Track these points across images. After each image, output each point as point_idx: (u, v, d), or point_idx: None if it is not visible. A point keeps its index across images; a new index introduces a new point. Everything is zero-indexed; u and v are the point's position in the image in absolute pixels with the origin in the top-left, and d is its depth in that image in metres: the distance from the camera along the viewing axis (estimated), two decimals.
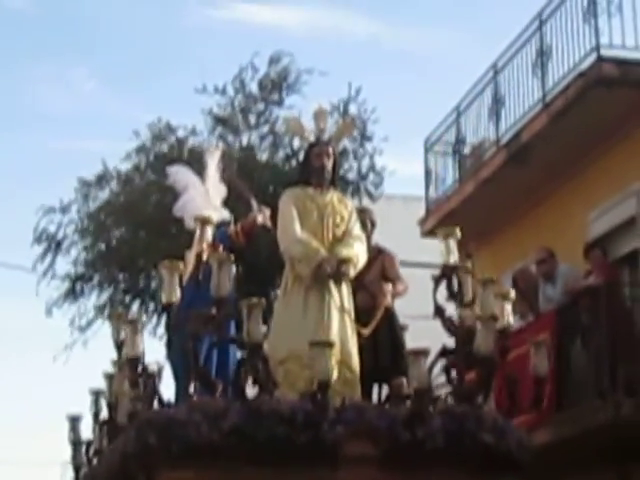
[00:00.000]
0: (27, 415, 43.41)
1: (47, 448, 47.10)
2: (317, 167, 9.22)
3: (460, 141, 14.57)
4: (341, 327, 8.73)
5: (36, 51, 38.48)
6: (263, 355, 7.70)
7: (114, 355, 9.34)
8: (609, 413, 10.84)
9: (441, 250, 8.86)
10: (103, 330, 15.99)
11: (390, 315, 9.82)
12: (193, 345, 7.74)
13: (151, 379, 8.18)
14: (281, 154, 15.81)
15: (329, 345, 7.80)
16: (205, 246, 8.48)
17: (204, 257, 8.40)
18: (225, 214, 10.04)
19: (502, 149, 12.73)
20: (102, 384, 9.78)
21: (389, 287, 9.86)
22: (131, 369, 8.22)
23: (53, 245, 16.03)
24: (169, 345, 8.32)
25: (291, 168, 15.21)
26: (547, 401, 10.02)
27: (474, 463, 7.89)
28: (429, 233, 14.76)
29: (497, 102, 13.03)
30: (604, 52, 11.04)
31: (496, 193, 12.87)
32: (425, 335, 10.21)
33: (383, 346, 9.54)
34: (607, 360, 10.97)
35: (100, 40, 35.23)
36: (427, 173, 15.34)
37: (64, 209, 16.07)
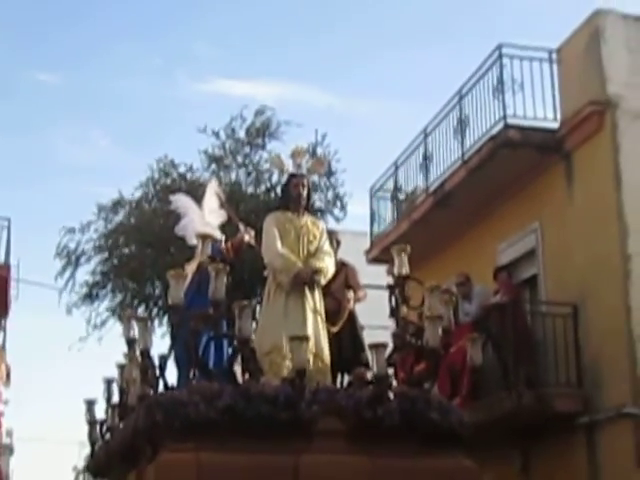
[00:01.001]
0: (49, 401, 43.27)
1: (66, 429, 46.94)
2: (295, 195, 9.25)
3: (397, 189, 14.92)
4: (315, 326, 8.75)
5: (61, 115, 39.92)
6: (251, 348, 7.66)
7: (124, 349, 9.30)
8: (513, 402, 11.05)
9: (395, 263, 8.90)
10: (114, 330, 15.97)
11: (352, 317, 9.83)
12: (193, 339, 7.69)
13: (158, 368, 8.08)
14: (263, 188, 15.88)
15: (306, 339, 7.80)
16: (205, 258, 8.45)
17: (204, 266, 8.37)
18: (218, 234, 10.05)
19: (430, 196, 13.07)
20: (113, 374, 9.79)
21: (351, 294, 9.88)
22: (142, 359, 8.13)
23: (73, 259, 15.92)
24: (173, 339, 8.26)
25: (270, 199, 15.27)
26: (465, 391, 10.14)
27: (424, 437, 7.89)
28: (373, 261, 15.24)
29: (426, 159, 13.39)
30: (510, 121, 11.39)
31: (425, 230, 13.15)
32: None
33: (346, 342, 9.53)
34: (511, 361, 11.19)
35: (112, 107, 37.14)
36: (372, 214, 15.75)
37: (83, 229, 16.01)
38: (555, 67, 11.68)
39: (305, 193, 9.31)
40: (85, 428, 10.39)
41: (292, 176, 9.33)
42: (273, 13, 36.24)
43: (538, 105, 11.54)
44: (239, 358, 7.79)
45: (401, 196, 14.91)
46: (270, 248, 8.96)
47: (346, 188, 16.18)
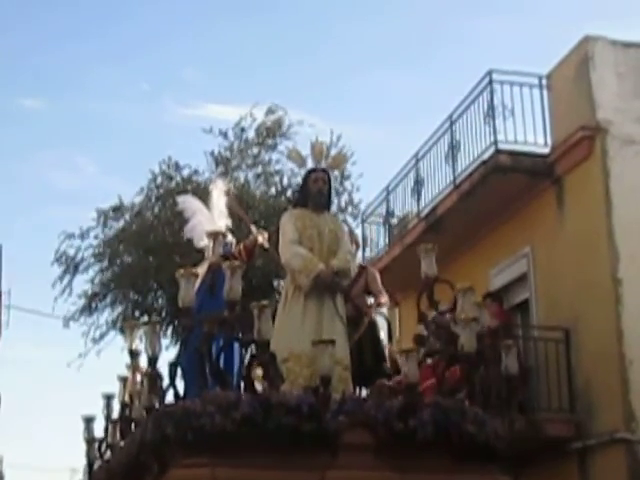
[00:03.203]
0: (40, 427, 42.93)
1: (57, 456, 46.45)
2: (314, 191, 8.75)
3: (389, 214, 15.06)
4: (336, 331, 8.17)
5: (47, 141, 40.25)
6: (272, 352, 7.10)
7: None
8: (506, 427, 10.80)
9: (422, 264, 8.41)
10: (113, 344, 15.40)
11: (372, 325, 9.33)
12: (207, 344, 7.12)
13: (168, 376, 7.52)
14: (273, 191, 15.29)
15: (331, 343, 7.23)
16: (217, 257, 7.89)
17: (216, 266, 7.83)
18: (229, 237, 9.53)
19: (422, 220, 13.22)
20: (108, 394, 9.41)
21: (372, 300, 9.37)
22: (150, 366, 7.57)
23: (72, 266, 15.35)
24: (184, 345, 7.63)
25: (281, 203, 14.73)
26: None
27: (458, 451, 7.35)
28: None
29: (418, 183, 13.56)
30: (501, 146, 11.57)
31: (417, 255, 13.00)
32: None
33: (366, 351, 9.01)
34: (504, 386, 10.98)
35: (98, 133, 37.37)
36: (364, 238, 15.75)
37: (83, 235, 15.41)
38: (545, 92, 11.87)
39: (326, 189, 8.79)
40: (76, 454, 9.93)
41: (311, 171, 8.83)
42: (260, 39, 36.53)
43: (529, 130, 11.78)
44: (259, 363, 7.17)
45: (393, 221, 15.07)
46: (288, 247, 8.43)
47: (361, 194, 15.63)
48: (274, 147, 15.43)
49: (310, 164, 8.89)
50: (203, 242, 9.70)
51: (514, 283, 12.55)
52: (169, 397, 7.70)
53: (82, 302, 15.45)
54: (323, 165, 8.87)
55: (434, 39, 39.68)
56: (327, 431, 6.97)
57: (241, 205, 10.99)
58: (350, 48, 38.91)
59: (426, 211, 13.17)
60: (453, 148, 12.54)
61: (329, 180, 8.91)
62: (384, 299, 9.55)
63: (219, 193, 10.20)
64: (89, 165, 42.43)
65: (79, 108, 40.88)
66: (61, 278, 15.39)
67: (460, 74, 33.29)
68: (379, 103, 37.16)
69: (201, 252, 9.98)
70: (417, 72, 42.47)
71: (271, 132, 15.29)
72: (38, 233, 43.11)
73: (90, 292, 15.37)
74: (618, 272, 10.52)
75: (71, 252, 15.45)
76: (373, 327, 9.42)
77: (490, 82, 11.87)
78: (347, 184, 15.75)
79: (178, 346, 9.36)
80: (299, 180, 14.97)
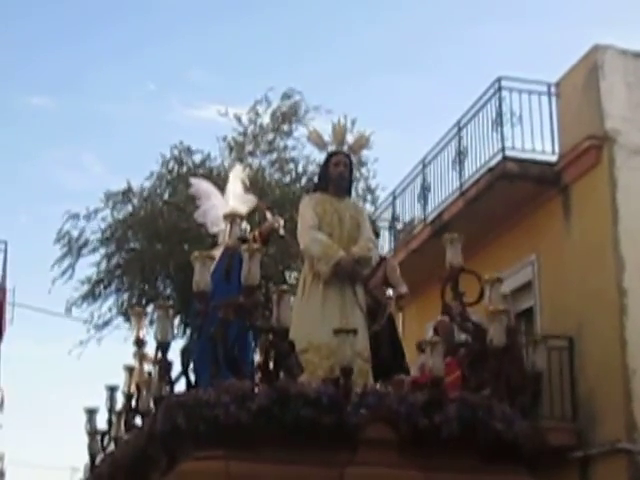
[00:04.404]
0: (42, 425, 42.77)
1: (58, 454, 46.29)
2: (335, 175, 8.42)
3: (395, 219, 15.09)
4: (357, 321, 7.83)
5: (54, 139, 40.36)
6: (290, 341, 6.76)
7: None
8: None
9: (447, 253, 8.10)
10: (115, 334, 15.06)
11: (391, 318, 9.00)
12: (224, 331, 6.78)
13: (181, 364, 7.19)
14: (288, 178, 14.89)
15: (353, 332, 6.90)
16: (234, 240, 7.53)
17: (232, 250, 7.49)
18: (243, 223, 9.19)
19: (428, 226, 13.24)
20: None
21: (391, 292, 9.07)
22: (161, 353, 7.23)
23: (75, 248, 14.93)
24: (198, 332, 7.27)
25: (296, 190, 14.35)
26: None
27: (485, 450, 7.02)
28: None
29: (424, 189, 13.60)
30: (508, 153, 11.62)
31: (422, 260, 13.08)
32: None
33: (384, 345, 8.68)
34: (505, 391, 10.84)
35: (105, 131, 37.50)
36: None
37: (89, 216, 15.00)
38: (554, 101, 11.90)
39: (347, 173, 8.46)
40: (77, 453, 9.65)
41: (332, 154, 8.49)
42: (267, 43, 36.50)
43: (536, 138, 11.83)
44: (277, 352, 6.83)
45: (399, 226, 15.06)
46: (307, 233, 8.10)
47: (378, 180, 15.23)
48: (289, 133, 15.06)
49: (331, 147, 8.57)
50: (216, 227, 9.40)
51: (519, 290, 12.50)
52: (179, 387, 7.41)
53: (85, 288, 15.08)
54: (344, 148, 8.56)
55: (442, 45, 39.59)
56: (347, 425, 6.64)
57: (254, 191, 10.65)
58: (356, 52, 38.92)
59: (432, 217, 13.21)
60: (460, 154, 12.59)
61: (350, 164, 8.59)
62: (404, 290, 9.23)
63: (236, 178, 9.89)
64: (95, 164, 42.38)
65: (86, 107, 41.02)
66: (61, 260, 14.97)
67: (468, 80, 33.30)
68: (386, 107, 36.99)
69: (215, 237, 9.69)
70: (424, 77, 42.47)
71: (287, 117, 14.89)
72: (42, 231, 43.04)
73: (95, 278, 14.98)
74: (623, 282, 10.54)
75: (75, 233, 15.07)
76: (391, 320, 9.12)
77: (499, 89, 11.93)
78: (363, 170, 15.31)
79: (188, 333, 9.07)
80: (314, 167, 14.74)
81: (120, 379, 9.30)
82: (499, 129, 11.73)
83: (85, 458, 9.82)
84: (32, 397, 42.76)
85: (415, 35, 40.04)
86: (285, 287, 6.81)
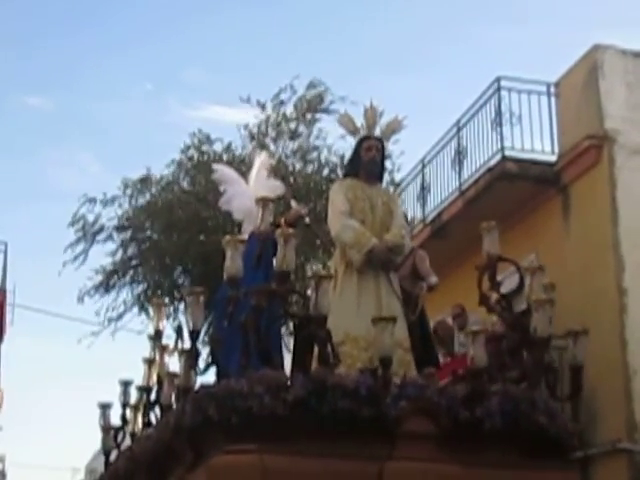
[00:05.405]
0: (43, 426, 42.82)
1: (59, 455, 46.23)
2: (366, 160, 8.19)
3: None
4: (395, 310, 7.60)
5: (51, 139, 40.38)
6: (328, 330, 6.50)
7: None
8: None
9: (484, 241, 7.89)
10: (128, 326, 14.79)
11: (422, 310, 8.76)
12: (256, 318, 6.54)
13: (210, 353, 6.96)
14: (310, 169, 14.61)
15: (392, 320, 6.65)
16: (266, 225, 7.28)
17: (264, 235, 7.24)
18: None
19: (427, 226, 13.12)
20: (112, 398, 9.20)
21: (422, 284, 8.86)
22: (191, 341, 7.00)
23: (89, 234, 14.63)
24: (228, 320, 7.01)
25: (320, 179, 14.07)
26: None
27: (527, 445, 6.78)
28: None
29: (424, 189, 13.56)
30: (507, 153, 11.55)
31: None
32: None
33: (415, 337, 8.41)
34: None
35: (102, 131, 37.38)
36: None
37: (106, 202, 14.69)
38: (553, 100, 11.76)
39: (379, 158, 8.22)
40: (78, 454, 9.48)
41: (364, 139, 8.24)
42: (264, 43, 36.69)
43: (536, 138, 11.72)
44: (315, 340, 6.57)
45: None
46: (338, 219, 7.85)
47: (402, 174, 14.94)
48: (313, 122, 14.76)
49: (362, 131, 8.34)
50: (242, 214, 9.16)
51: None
52: (206, 378, 7.17)
53: (99, 278, 14.80)
54: (377, 132, 8.32)
55: (441, 44, 39.62)
56: (387, 417, 6.40)
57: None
58: (356, 52, 38.88)
59: (431, 217, 13.12)
60: (460, 154, 12.53)
61: (383, 149, 8.35)
62: (434, 280, 9.01)
63: (261, 165, 9.64)
64: (93, 164, 42.36)
65: (83, 107, 41.05)
66: (74, 244, 14.65)
67: (467, 80, 33.37)
68: (385, 107, 36.86)
69: (239, 227, 9.44)
70: (424, 77, 42.45)
71: (312, 106, 14.61)
72: (40, 230, 42.91)
73: (109, 268, 14.70)
74: (623, 281, 10.39)
75: (90, 218, 14.77)
76: (422, 312, 8.89)
77: (498, 89, 11.83)
78: (387, 164, 14.99)
79: (215, 321, 8.80)
80: (337, 159, 14.51)
81: (120, 380, 9.28)
82: (498, 129, 11.68)
83: (86, 458, 9.65)
84: (32, 398, 42.69)
85: (415, 35, 40.04)
86: (324, 272, 6.52)
